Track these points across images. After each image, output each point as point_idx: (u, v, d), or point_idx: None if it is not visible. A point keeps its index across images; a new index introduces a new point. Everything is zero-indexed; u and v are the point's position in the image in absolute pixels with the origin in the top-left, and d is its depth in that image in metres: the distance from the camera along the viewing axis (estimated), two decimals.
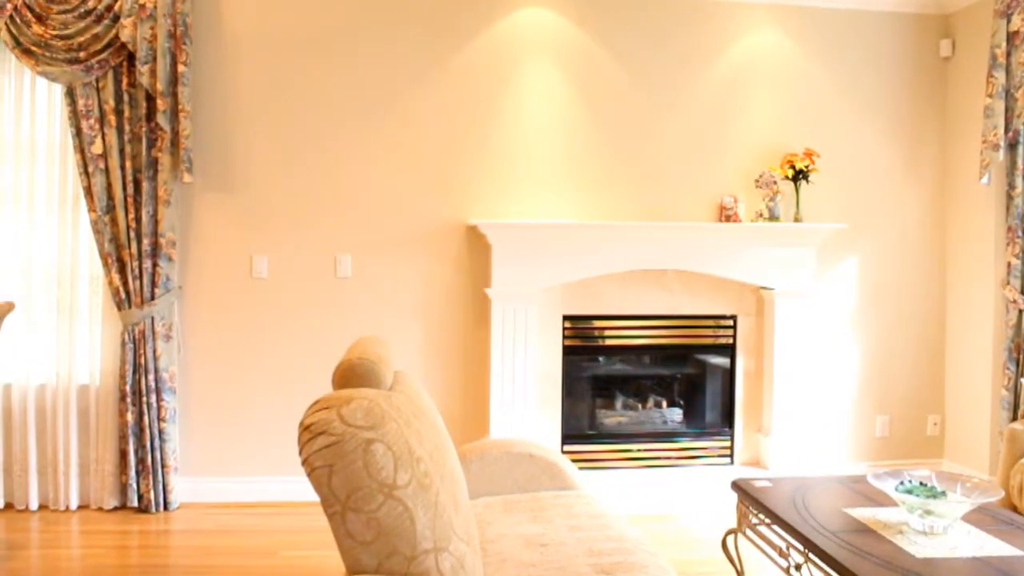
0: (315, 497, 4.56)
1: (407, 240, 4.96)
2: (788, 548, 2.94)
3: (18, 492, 4.80)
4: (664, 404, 5.32)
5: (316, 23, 4.90)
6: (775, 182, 5.06)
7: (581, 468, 4.42)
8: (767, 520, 3.11)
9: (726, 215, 5.07)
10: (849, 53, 5.28)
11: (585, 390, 5.25)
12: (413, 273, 4.97)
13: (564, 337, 5.06)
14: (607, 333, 5.13)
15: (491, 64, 4.99)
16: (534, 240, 4.85)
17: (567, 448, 5.06)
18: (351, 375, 2.20)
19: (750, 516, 3.27)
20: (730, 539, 3.45)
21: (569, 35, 5.03)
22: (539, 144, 5.02)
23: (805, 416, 5.15)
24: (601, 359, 5.27)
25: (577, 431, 5.16)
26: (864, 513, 2.97)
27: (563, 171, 5.04)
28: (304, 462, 1.84)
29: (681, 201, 5.14)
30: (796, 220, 5.10)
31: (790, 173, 5.05)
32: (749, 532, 3.29)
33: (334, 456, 1.82)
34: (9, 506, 4.80)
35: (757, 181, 5.08)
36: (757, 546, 3.21)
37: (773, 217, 5.06)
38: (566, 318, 5.06)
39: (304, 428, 1.86)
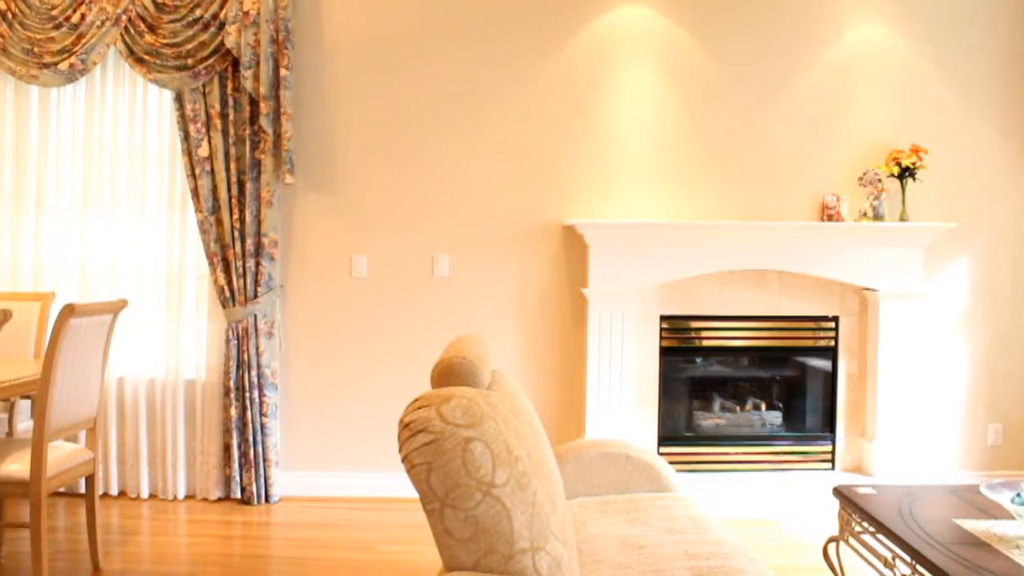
0: (412, 493, 4.65)
1: (504, 240, 4.98)
2: (894, 559, 2.84)
3: (131, 481, 5.00)
4: (763, 407, 5.21)
5: (413, 25, 4.96)
6: (880, 180, 4.90)
7: (677, 470, 4.36)
8: (871, 529, 3.02)
9: (828, 214, 4.93)
10: (960, 43, 5.07)
11: (682, 391, 5.18)
12: (510, 273, 4.99)
13: (661, 338, 5.00)
14: (704, 334, 5.05)
15: (588, 63, 4.97)
16: (631, 240, 4.81)
17: (663, 450, 5.00)
18: (450, 374, 2.22)
19: (853, 524, 3.17)
20: (832, 547, 3.35)
21: (667, 32, 4.97)
22: (637, 142, 4.98)
23: (911, 422, 4.97)
24: (698, 360, 5.19)
25: (674, 432, 5.10)
26: (977, 525, 2.84)
27: (661, 170, 4.99)
28: (404, 459, 1.85)
29: (781, 200, 5.03)
30: (902, 219, 4.93)
31: (896, 171, 4.89)
32: (852, 540, 3.19)
33: (433, 453, 1.83)
34: (123, 493, 5.01)
35: (861, 179, 4.93)
36: (860, 555, 3.12)
37: (878, 216, 4.90)
38: (663, 318, 5.00)
39: (404, 425, 1.87)
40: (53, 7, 4.86)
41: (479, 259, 4.98)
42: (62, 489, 4.73)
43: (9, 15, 4.86)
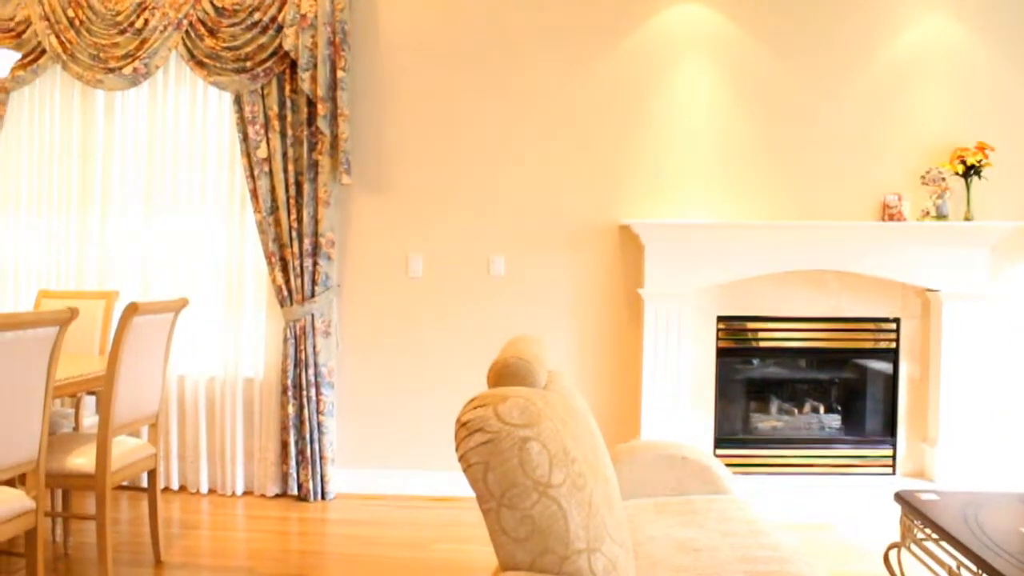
0: (466, 492, 4.67)
1: (559, 240, 4.97)
2: (959, 567, 2.77)
3: (191, 476, 5.10)
4: (821, 409, 5.12)
5: (469, 26, 4.98)
6: (944, 179, 4.79)
7: (734, 473, 4.31)
8: (935, 536, 2.95)
9: (889, 214, 4.84)
10: None
11: (739, 393, 5.12)
12: (565, 273, 4.98)
13: (718, 338, 4.95)
14: (761, 335, 4.99)
15: (644, 62, 4.94)
16: (688, 240, 4.77)
17: (719, 452, 4.95)
18: (506, 373, 2.22)
19: (915, 531, 3.11)
20: (892, 553, 3.29)
21: (723, 29, 4.92)
22: (693, 142, 4.93)
23: (976, 427, 4.85)
24: (755, 361, 5.13)
25: (730, 434, 5.04)
26: None
27: (718, 169, 4.94)
28: (460, 458, 1.86)
29: (841, 199, 4.94)
30: (967, 219, 4.82)
31: (960, 169, 4.77)
32: (914, 547, 3.12)
33: (490, 453, 1.84)
34: (183, 488, 5.11)
35: (924, 178, 4.83)
36: (923, 562, 3.05)
37: (941, 216, 4.79)
38: (720, 319, 4.95)
39: (461, 424, 1.88)
40: (118, 13, 4.97)
41: (535, 259, 4.98)
42: (125, 483, 4.83)
43: (77, 22, 4.98)
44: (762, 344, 5.00)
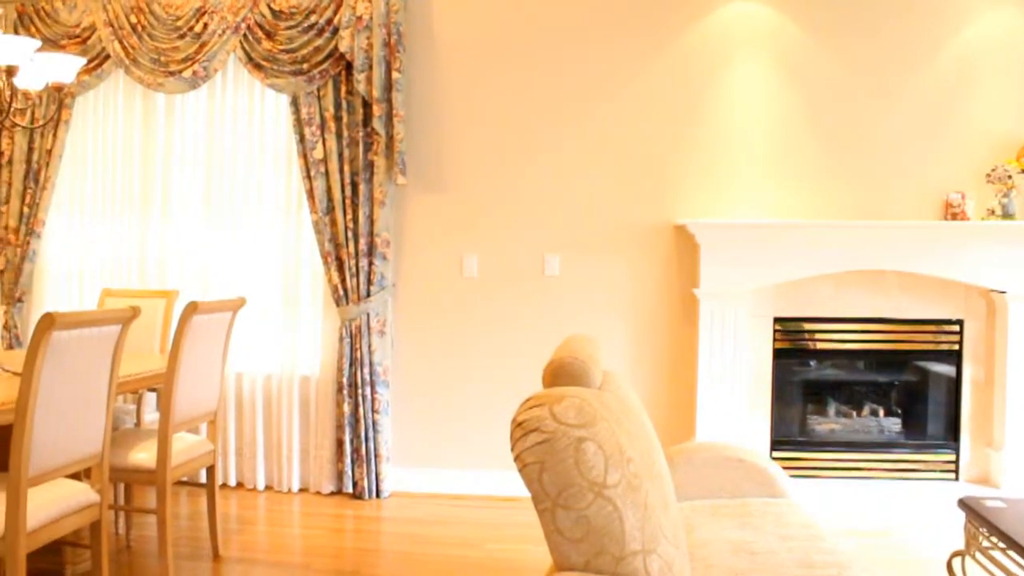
0: (519, 491, 4.66)
1: (614, 239, 4.95)
2: None
3: (247, 472, 5.17)
4: (881, 413, 5.03)
5: (523, 26, 4.98)
6: (1010, 176, 4.67)
7: (790, 476, 4.25)
8: (1001, 544, 2.88)
9: (952, 213, 4.73)
10: None
11: (795, 395, 5.04)
12: (620, 272, 4.96)
13: (774, 339, 4.89)
14: (819, 336, 4.91)
15: (699, 60, 4.89)
16: (744, 240, 4.72)
17: (776, 454, 4.89)
18: (562, 373, 2.21)
19: (980, 539, 3.03)
20: (956, 562, 3.22)
21: (780, 25, 4.85)
22: (749, 141, 4.88)
23: None
24: (812, 363, 5.05)
25: (786, 437, 4.97)
26: None
27: (774, 168, 4.87)
28: (516, 458, 1.86)
29: (902, 198, 4.85)
30: None
31: None
32: (979, 556, 3.05)
33: (545, 453, 1.83)
34: (240, 484, 5.19)
35: (989, 176, 4.71)
36: (988, 572, 2.98)
37: (1007, 215, 4.67)
38: (776, 320, 4.88)
39: (517, 424, 1.88)
40: (178, 18, 5.06)
41: (589, 258, 4.96)
42: (184, 478, 4.92)
43: (139, 27, 5.09)
44: (819, 345, 4.93)
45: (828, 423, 5.02)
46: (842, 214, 4.84)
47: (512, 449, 1.87)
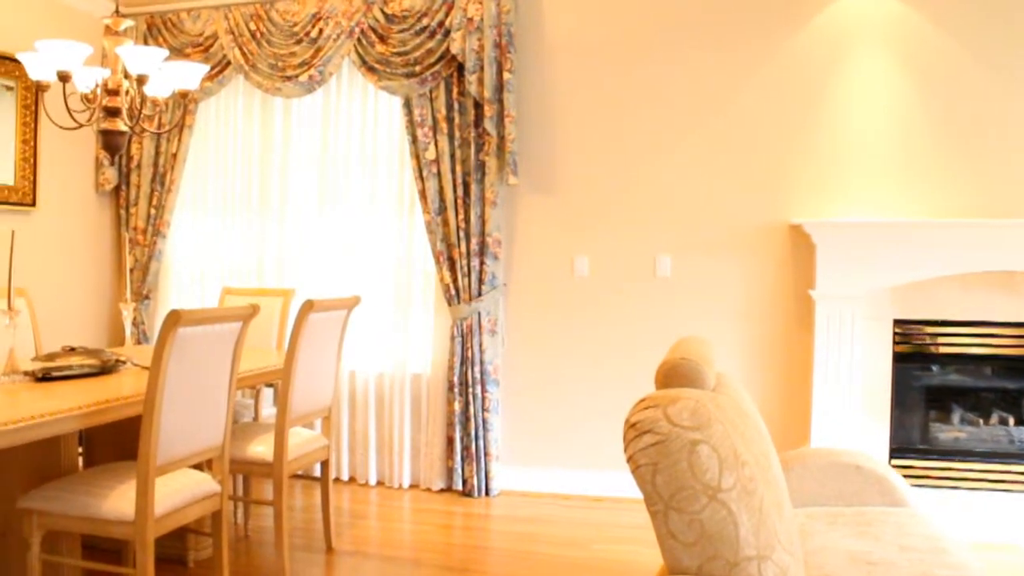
0: (627, 492, 4.63)
1: (727, 240, 4.86)
2: None
3: (359, 468, 5.28)
4: (1011, 421, 4.79)
5: (633, 25, 4.94)
6: None
7: (911, 485, 4.09)
8: None
9: None
10: None
11: (917, 401, 4.85)
12: (732, 273, 4.86)
13: (894, 343, 4.71)
14: (942, 340, 4.70)
15: (815, 55, 4.75)
16: (862, 240, 4.56)
17: (895, 462, 4.71)
18: (675, 374, 2.18)
19: None
20: None
21: (901, 17, 4.66)
22: (867, 137, 4.71)
23: None
24: (935, 368, 4.84)
25: (907, 444, 4.79)
26: None
27: (894, 165, 4.69)
28: (629, 459, 1.84)
29: None
30: None
31: None
32: None
33: (659, 455, 1.81)
34: (352, 479, 5.31)
35: None
36: None
37: None
38: (896, 322, 4.70)
39: (630, 425, 1.86)
40: (295, 24, 5.21)
41: (701, 259, 4.89)
42: (299, 472, 5.04)
43: (258, 34, 5.26)
44: (943, 350, 4.72)
45: (952, 431, 4.81)
46: (965, 213, 4.62)
47: (625, 450, 1.86)
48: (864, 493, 3.20)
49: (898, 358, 4.72)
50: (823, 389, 4.61)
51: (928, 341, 4.72)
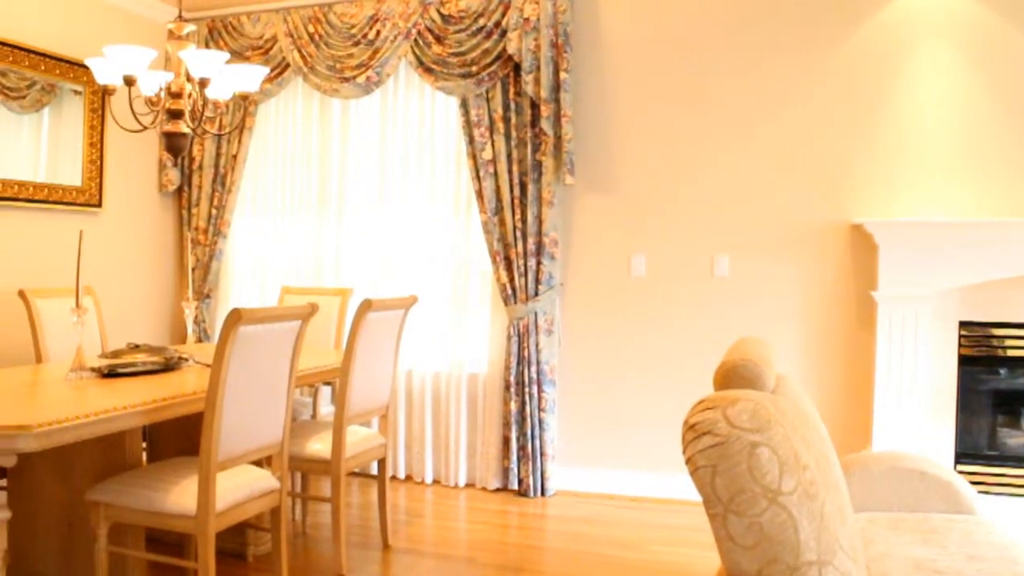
0: (682, 494, 4.60)
1: (785, 239, 4.79)
2: None
3: (416, 466, 5.32)
4: None
5: (690, 23, 4.89)
6: None
7: (977, 492, 3.99)
8: None
9: None
10: None
11: (983, 405, 4.72)
12: (791, 273, 4.79)
13: (959, 345, 4.60)
14: (1010, 343, 4.58)
15: (878, 51, 4.66)
16: (927, 240, 4.45)
17: (960, 468, 4.60)
18: (734, 376, 2.16)
19: None
20: None
21: (967, 10, 4.54)
22: (932, 135, 4.60)
23: None
24: (1003, 371, 4.72)
25: (973, 450, 4.67)
26: None
27: (960, 163, 4.58)
28: (687, 460, 1.82)
29: None
30: None
31: None
32: None
33: (718, 457, 1.79)
34: (408, 478, 5.34)
35: None
36: None
37: None
38: (962, 324, 4.59)
39: (689, 427, 1.84)
40: (352, 26, 5.26)
41: (760, 259, 4.82)
42: (357, 469, 5.09)
43: (316, 37, 5.32)
44: (1011, 352, 4.60)
45: (1021, 436, 4.68)
46: None
47: (683, 451, 1.84)
48: (928, 499, 3.13)
49: (964, 361, 4.61)
50: (885, 392, 4.51)
51: (996, 344, 4.60)
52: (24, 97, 4.80)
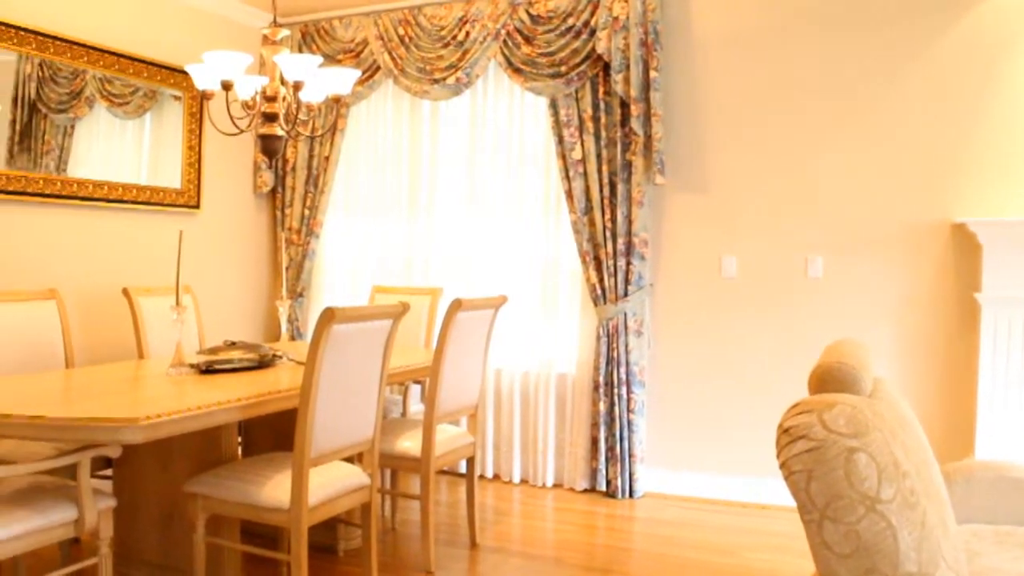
0: (773, 499, 4.51)
1: (882, 239, 4.64)
2: None
3: (504, 465, 5.34)
4: None
5: (786, 17, 4.78)
6: None
7: None
8: None
9: None
10: None
11: None
12: (888, 274, 4.64)
13: None
14: None
15: (982, 42, 4.47)
16: None
17: None
18: (829, 379, 2.10)
19: None
20: None
21: None
22: None
23: None
24: None
25: None
26: None
27: None
28: (782, 465, 1.78)
29: None
30: None
31: None
32: None
33: (814, 462, 1.75)
34: (496, 477, 5.36)
35: None
36: None
37: None
38: None
39: (783, 430, 1.80)
40: (442, 28, 5.31)
41: (855, 260, 4.69)
42: (445, 468, 5.13)
43: (406, 39, 5.39)
44: None
45: None
46: None
47: (778, 456, 1.80)
48: None
49: None
50: (989, 398, 4.34)
51: None
52: (128, 103, 4.98)
